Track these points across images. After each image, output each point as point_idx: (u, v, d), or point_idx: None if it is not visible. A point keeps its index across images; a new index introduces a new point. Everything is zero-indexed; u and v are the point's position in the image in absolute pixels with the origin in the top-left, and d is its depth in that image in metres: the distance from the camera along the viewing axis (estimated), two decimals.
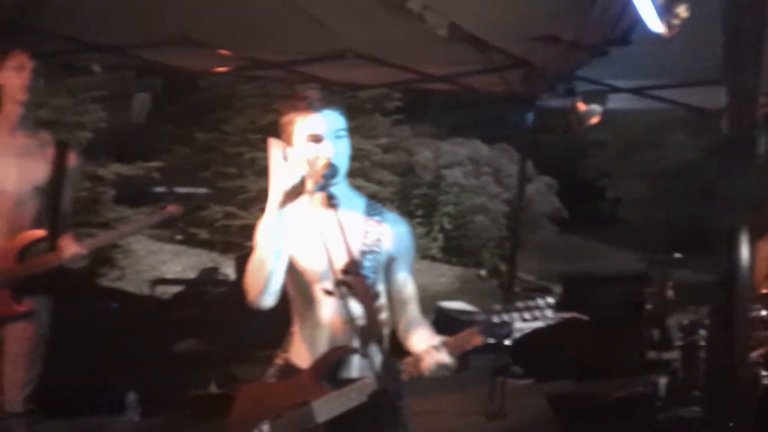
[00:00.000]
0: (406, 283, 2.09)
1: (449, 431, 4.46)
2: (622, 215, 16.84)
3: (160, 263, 8.38)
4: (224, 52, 4.16)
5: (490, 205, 11.42)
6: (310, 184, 1.98)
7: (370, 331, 1.65)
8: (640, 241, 15.04)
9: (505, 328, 1.78)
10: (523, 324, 1.77)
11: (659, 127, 15.25)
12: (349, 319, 1.89)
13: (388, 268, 2.08)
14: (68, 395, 3.81)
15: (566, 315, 5.98)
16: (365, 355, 1.92)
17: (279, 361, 2.13)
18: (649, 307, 4.44)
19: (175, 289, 6.54)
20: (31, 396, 2.95)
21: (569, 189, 13.55)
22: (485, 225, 11.26)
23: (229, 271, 7.91)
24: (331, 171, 1.96)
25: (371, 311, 1.68)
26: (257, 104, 9.29)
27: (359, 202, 2.13)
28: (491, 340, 1.89)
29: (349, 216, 1.99)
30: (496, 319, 1.77)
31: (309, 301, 2.05)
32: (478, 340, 1.82)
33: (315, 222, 1.94)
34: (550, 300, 1.73)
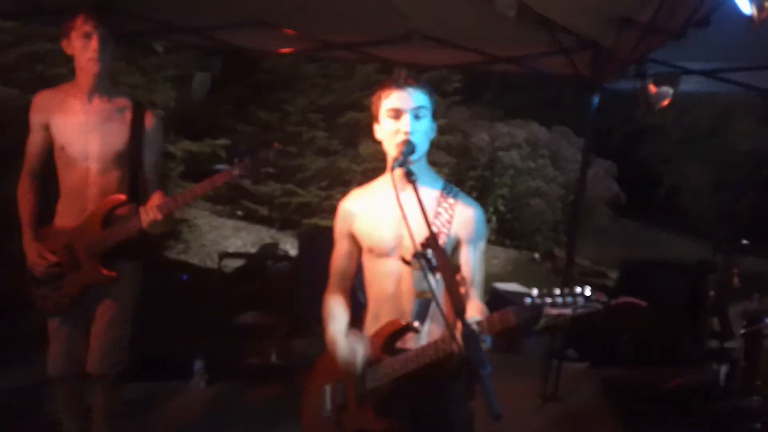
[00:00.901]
0: (467, 264, 2.12)
1: (507, 411, 4.49)
2: (681, 203, 16.44)
3: (222, 238, 8.59)
4: (292, 32, 4.24)
5: (546, 188, 11.30)
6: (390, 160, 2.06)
7: (453, 302, 1.71)
8: (700, 230, 14.70)
9: (536, 312, 1.78)
10: (554, 310, 1.75)
11: (724, 114, 14.81)
12: (425, 290, 1.99)
13: (455, 249, 2.14)
14: (142, 360, 3.94)
15: (623, 299, 5.93)
16: (417, 330, 2.06)
17: (354, 331, 2.23)
18: (712, 294, 4.36)
19: (238, 262, 6.72)
20: (117, 359, 3.06)
21: (627, 174, 13.31)
22: (541, 208, 11.16)
23: (287, 247, 8.10)
24: (408, 147, 2.02)
25: (452, 283, 1.74)
26: (318, 84, 9.40)
27: (437, 182, 2.19)
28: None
29: (424, 196, 2.03)
30: (528, 302, 1.79)
31: (381, 275, 2.16)
32: (511, 321, 1.85)
33: (393, 197, 1.98)
34: (588, 290, 1.74)
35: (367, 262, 2.20)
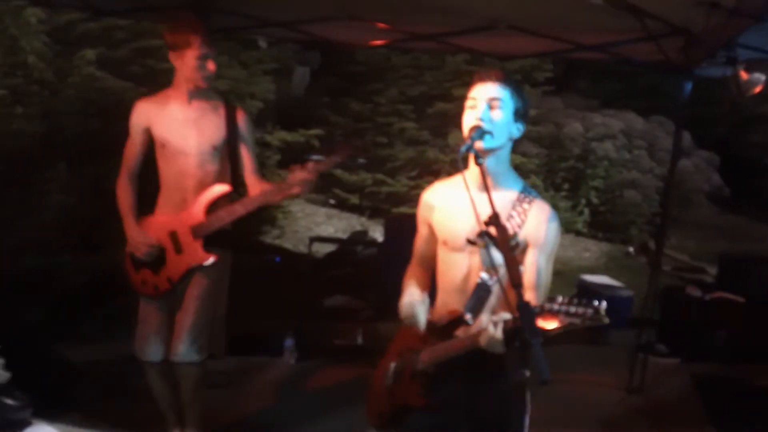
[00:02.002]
0: (531, 267, 2.16)
1: (589, 401, 4.49)
2: None
3: (314, 225, 8.87)
4: (379, 25, 4.36)
5: (642, 180, 10.94)
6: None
7: (510, 276, 1.80)
8: None
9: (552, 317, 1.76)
10: (566, 319, 1.74)
11: None
12: (490, 267, 2.09)
13: (522, 252, 2.18)
14: (237, 335, 4.17)
15: (716, 295, 5.75)
16: (468, 323, 2.14)
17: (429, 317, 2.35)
18: None
19: (328, 248, 6.96)
20: (201, 346, 3.21)
21: (732, 165, 12.69)
22: (636, 200, 10.82)
23: (376, 234, 8.29)
24: (477, 133, 2.11)
25: (511, 260, 1.83)
26: (408, 75, 9.52)
27: (516, 184, 2.25)
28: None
29: (500, 198, 2.14)
30: (547, 306, 1.79)
31: (451, 267, 2.27)
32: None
33: (466, 194, 2.06)
34: (603, 306, 1.74)
35: (441, 252, 2.31)
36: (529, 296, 2.09)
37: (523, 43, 4.39)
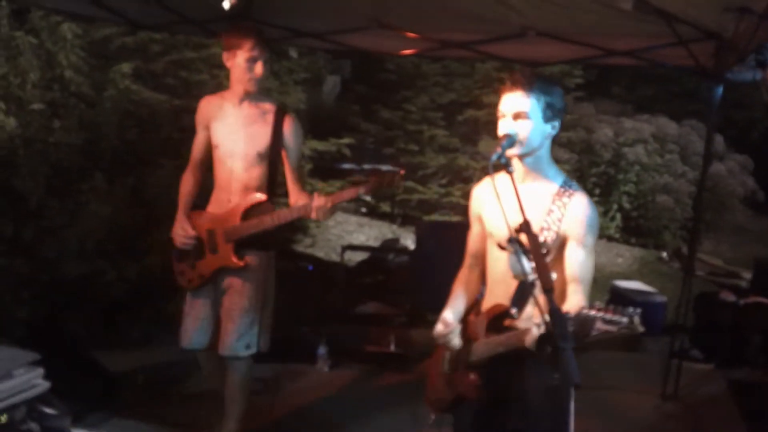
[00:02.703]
0: (571, 259, 2.21)
1: (624, 408, 4.46)
2: None
3: (346, 233, 8.93)
4: (410, 34, 4.42)
5: (675, 184, 10.82)
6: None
7: (541, 282, 1.84)
8: None
9: (590, 324, 1.79)
10: (602, 326, 1.76)
11: None
12: (520, 273, 2.12)
13: (562, 245, 2.25)
14: (271, 342, 4.22)
15: (751, 299, 5.68)
16: (513, 316, 2.22)
17: (475, 305, 2.50)
18: None
19: (361, 256, 7.00)
20: (249, 342, 3.33)
21: (766, 169, 12.49)
22: (668, 205, 10.71)
23: (407, 242, 8.32)
24: (507, 142, 2.19)
25: (541, 266, 1.87)
26: (439, 83, 9.57)
27: (557, 178, 2.31)
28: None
29: (540, 192, 2.24)
30: (582, 315, 1.81)
31: (495, 260, 2.37)
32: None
33: (498, 189, 2.14)
34: (638, 311, 1.75)
35: (489, 246, 2.43)
36: (574, 288, 2.16)
37: (554, 49, 4.40)
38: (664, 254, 10.56)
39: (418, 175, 9.46)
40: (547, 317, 1.77)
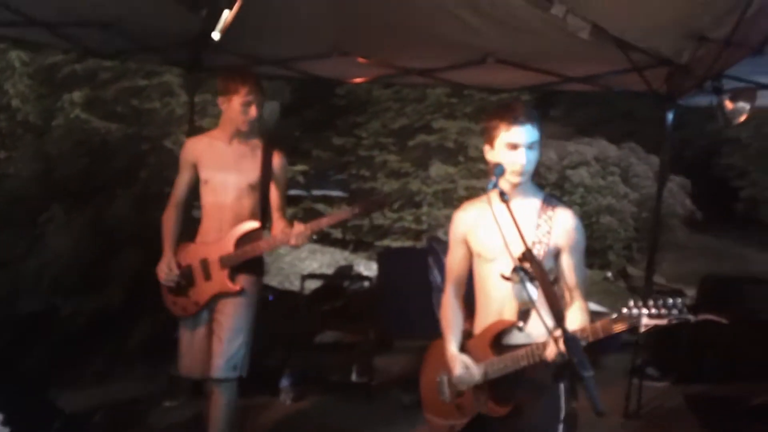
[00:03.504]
0: (569, 269, 2.32)
1: (588, 427, 4.49)
2: (761, 216, 15.87)
3: (299, 260, 8.85)
4: (370, 60, 4.44)
5: (617, 205, 11.15)
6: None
7: (552, 311, 1.84)
8: None
9: (634, 322, 1.93)
10: (650, 320, 1.88)
11: None
12: (526, 300, 2.15)
13: (556, 256, 2.32)
14: None
15: (702, 316, 5.83)
16: (521, 329, 2.27)
17: (466, 327, 2.49)
18: None
19: (316, 283, 6.91)
20: (238, 365, 3.38)
21: (703, 189, 12.99)
22: (612, 226, 11.00)
23: (360, 267, 8.29)
24: (499, 169, 2.27)
25: (549, 292, 1.88)
26: (390, 108, 9.63)
27: (538, 194, 2.41)
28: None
29: (526, 209, 2.28)
30: (626, 312, 1.96)
31: (486, 279, 2.38)
32: (612, 329, 2.00)
33: (493, 215, 2.20)
34: (680, 300, 1.84)
35: (476, 266, 2.44)
36: (575, 295, 2.29)
37: (512, 76, 4.50)
38: (609, 274, 10.81)
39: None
40: (562, 346, 1.77)
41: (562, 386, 2.29)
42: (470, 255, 2.47)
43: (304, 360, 5.18)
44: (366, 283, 6.50)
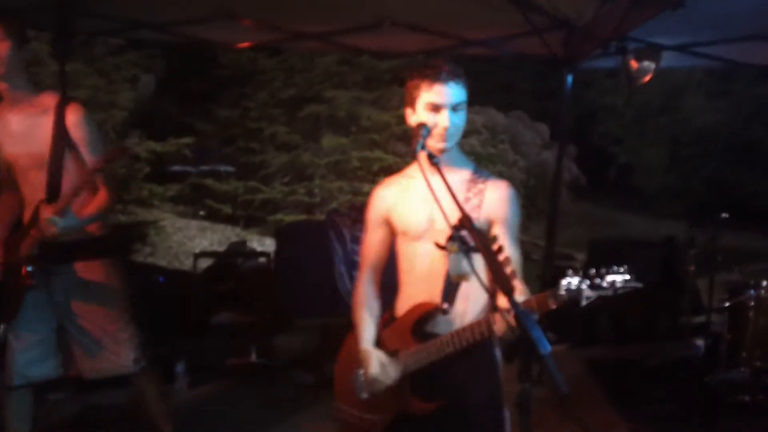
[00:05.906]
0: (503, 243, 2.04)
1: None
2: (635, 182, 16.79)
3: (188, 239, 8.45)
4: (260, 23, 4.16)
5: (507, 173, 11.38)
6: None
7: (499, 283, 1.68)
8: (655, 207, 15.04)
9: (574, 295, 1.78)
10: (591, 292, 1.74)
11: (673, 92, 15.15)
12: (462, 273, 1.99)
13: (488, 231, 2.11)
14: None
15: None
16: (446, 312, 2.08)
17: (386, 315, 2.26)
18: (692, 269, 4.42)
19: (208, 262, 6.59)
20: (136, 357, 3.15)
21: (581, 156, 13.52)
22: None
23: (254, 243, 8.00)
24: (425, 130, 2.04)
25: (494, 263, 1.71)
26: (277, 78, 9.29)
27: (468, 166, 2.18)
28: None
29: (453, 181, 2.02)
30: (564, 285, 1.79)
31: (414, 258, 2.16)
32: (549, 305, 1.85)
33: (424, 182, 1.97)
34: (621, 269, 1.74)
35: (401, 245, 2.21)
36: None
37: (410, 40, 4.35)
38: None
39: (260, 175, 9.14)
40: (513, 321, 1.62)
41: (499, 368, 2.16)
42: (391, 236, 2.24)
43: (200, 343, 4.97)
44: (262, 260, 6.27)
